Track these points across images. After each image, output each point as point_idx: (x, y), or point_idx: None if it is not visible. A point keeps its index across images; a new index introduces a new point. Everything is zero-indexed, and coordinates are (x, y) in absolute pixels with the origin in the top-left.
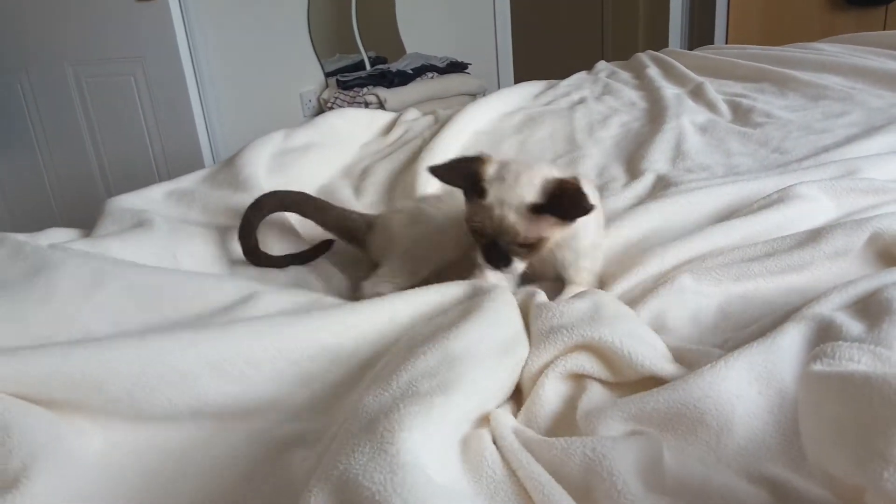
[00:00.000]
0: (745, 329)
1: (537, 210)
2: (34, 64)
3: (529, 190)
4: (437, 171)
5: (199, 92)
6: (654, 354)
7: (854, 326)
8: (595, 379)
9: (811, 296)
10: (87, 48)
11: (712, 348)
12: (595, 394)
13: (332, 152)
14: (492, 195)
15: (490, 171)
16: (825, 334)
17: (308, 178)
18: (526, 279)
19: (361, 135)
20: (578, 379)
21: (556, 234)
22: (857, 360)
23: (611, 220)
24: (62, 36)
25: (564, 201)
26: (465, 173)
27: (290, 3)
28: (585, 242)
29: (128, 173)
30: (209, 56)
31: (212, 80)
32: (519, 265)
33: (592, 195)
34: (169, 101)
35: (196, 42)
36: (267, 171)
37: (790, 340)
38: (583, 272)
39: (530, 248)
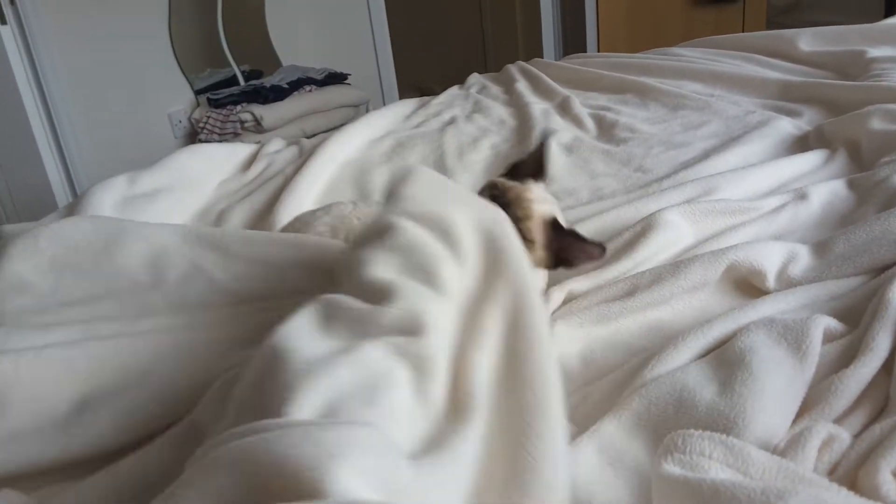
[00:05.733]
0: (604, 378)
1: None
2: None
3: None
4: None
5: (46, 121)
6: None
7: (707, 390)
8: None
9: (671, 335)
10: None
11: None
12: None
13: (185, 196)
14: None
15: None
16: (679, 399)
17: None
18: None
19: (218, 173)
20: None
21: None
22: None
23: None
24: None
25: None
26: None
27: (148, 16)
28: None
29: None
30: (59, 80)
31: (66, 107)
32: None
33: None
34: (9, 135)
35: (43, 66)
36: None
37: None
38: None
39: None
